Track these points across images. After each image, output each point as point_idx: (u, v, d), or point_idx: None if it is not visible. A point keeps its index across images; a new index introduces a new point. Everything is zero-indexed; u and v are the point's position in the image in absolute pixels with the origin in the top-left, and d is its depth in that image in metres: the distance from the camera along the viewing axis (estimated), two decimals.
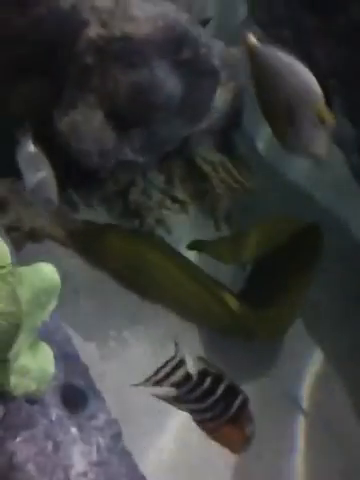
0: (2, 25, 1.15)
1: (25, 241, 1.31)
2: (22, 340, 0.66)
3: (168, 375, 0.86)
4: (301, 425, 1.46)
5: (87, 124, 1.25)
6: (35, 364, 0.70)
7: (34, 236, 1.32)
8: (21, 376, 0.69)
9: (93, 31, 1.19)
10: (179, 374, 0.87)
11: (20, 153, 1.12)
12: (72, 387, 0.99)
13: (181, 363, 0.88)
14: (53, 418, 0.91)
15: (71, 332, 1.11)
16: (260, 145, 1.81)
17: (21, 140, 1.12)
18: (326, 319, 1.59)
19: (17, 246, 1.26)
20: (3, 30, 1.16)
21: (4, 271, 0.65)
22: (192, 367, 0.88)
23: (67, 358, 1.00)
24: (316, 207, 1.74)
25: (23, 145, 1.12)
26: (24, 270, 0.66)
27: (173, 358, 0.86)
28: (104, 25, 1.18)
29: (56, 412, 0.92)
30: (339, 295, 1.62)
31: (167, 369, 0.86)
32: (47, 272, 0.67)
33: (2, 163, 1.16)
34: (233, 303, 1.47)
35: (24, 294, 0.64)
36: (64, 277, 0.75)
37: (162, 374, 0.87)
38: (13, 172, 1.12)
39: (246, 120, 1.59)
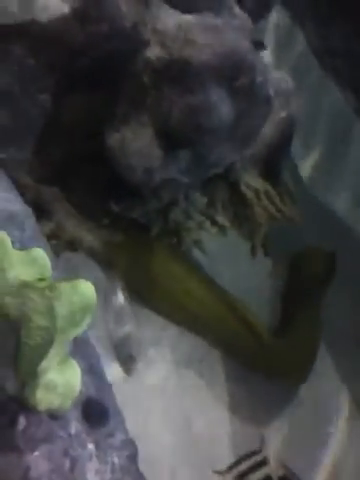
0: (62, 38, 1.18)
1: (63, 250, 1.33)
2: (53, 355, 0.66)
3: (250, 471, 0.85)
4: None
5: (136, 141, 1.26)
6: (62, 380, 0.70)
7: (72, 246, 1.33)
8: (47, 391, 0.69)
9: (152, 52, 1.20)
10: (260, 474, 0.85)
11: (109, 302, 1.11)
12: (94, 402, 0.99)
13: (264, 461, 0.86)
14: (72, 432, 0.91)
15: (97, 346, 1.10)
16: (305, 176, 1.80)
17: (110, 289, 1.12)
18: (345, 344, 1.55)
19: (55, 254, 1.27)
20: (63, 43, 1.19)
21: (43, 284, 0.66)
22: (273, 469, 0.86)
23: (92, 372, 1.00)
24: (351, 241, 1.72)
25: (113, 294, 1.11)
26: (63, 286, 0.66)
27: (258, 453, 0.85)
28: (164, 47, 1.19)
29: (75, 426, 0.92)
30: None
31: (249, 463, 0.84)
32: (85, 290, 0.67)
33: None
34: (262, 329, 1.45)
35: (60, 310, 0.64)
36: (96, 289, 0.75)
37: (244, 467, 0.85)
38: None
39: (294, 150, 1.59)
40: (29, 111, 1.27)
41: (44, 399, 0.69)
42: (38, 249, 0.70)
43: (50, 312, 0.63)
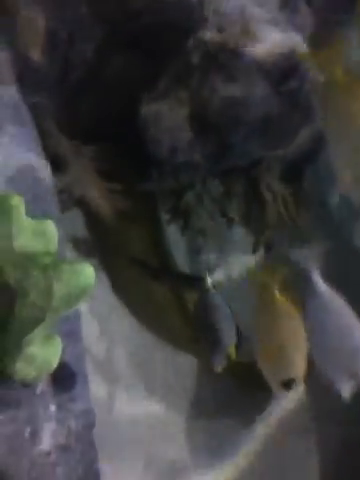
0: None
1: (72, 207, 1.31)
2: (39, 330, 0.66)
3: None
4: None
5: (170, 117, 1.23)
6: (42, 354, 0.70)
7: (82, 204, 1.32)
8: (26, 363, 0.69)
9: (209, 34, 1.17)
10: None
11: None
12: (64, 366, 0.99)
13: None
14: (37, 392, 0.92)
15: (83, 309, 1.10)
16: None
17: None
18: None
19: (62, 209, 1.26)
20: (121, 3, 1.15)
21: (47, 260, 0.65)
22: None
23: (70, 335, 1.00)
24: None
25: None
26: (65, 266, 0.65)
27: None
28: (221, 31, 1.16)
29: (41, 386, 0.93)
30: None
31: None
32: (86, 275, 0.66)
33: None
34: None
35: (58, 292, 0.64)
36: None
37: None
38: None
39: (321, 161, 1.56)
40: (69, 58, 1.23)
41: (22, 370, 0.70)
42: (49, 222, 0.69)
43: (49, 292, 0.63)
